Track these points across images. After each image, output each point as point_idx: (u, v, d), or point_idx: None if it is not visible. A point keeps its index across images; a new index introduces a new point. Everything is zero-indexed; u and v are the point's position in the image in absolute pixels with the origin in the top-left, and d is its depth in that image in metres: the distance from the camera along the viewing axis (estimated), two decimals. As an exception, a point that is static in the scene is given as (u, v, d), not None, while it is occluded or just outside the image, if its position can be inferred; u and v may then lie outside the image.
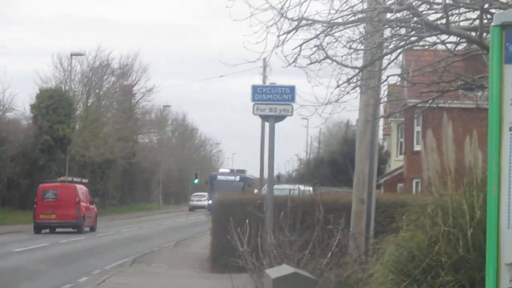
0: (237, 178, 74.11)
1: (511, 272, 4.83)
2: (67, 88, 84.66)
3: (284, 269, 11.89)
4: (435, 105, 16.21)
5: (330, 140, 78.02)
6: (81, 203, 67.69)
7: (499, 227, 4.78)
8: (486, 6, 12.22)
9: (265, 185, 52.28)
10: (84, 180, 78.48)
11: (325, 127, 76.50)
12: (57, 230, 66.64)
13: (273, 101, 18.27)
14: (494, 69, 4.92)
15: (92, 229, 71.18)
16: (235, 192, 68.00)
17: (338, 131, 70.38)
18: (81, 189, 71.56)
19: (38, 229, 66.66)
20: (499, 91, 4.77)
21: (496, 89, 4.82)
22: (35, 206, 67.58)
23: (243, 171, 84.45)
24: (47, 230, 66.54)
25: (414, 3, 12.67)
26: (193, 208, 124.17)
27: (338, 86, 14.31)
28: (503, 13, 6.17)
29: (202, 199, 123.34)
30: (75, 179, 75.55)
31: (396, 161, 55.10)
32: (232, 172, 79.02)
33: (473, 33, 12.32)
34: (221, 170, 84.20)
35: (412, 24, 12.69)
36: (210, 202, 68.57)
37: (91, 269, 28.66)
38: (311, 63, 13.80)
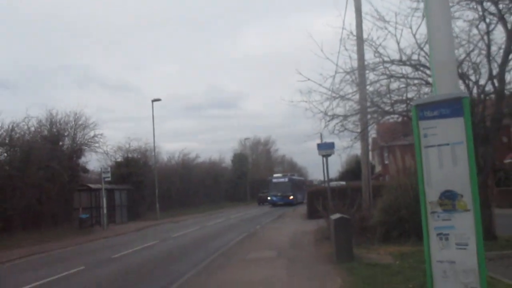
0: (286, 179, 53.88)
1: (431, 205, 4.18)
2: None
3: (338, 215, 12.29)
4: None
5: (350, 162, 72.47)
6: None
7: (424, 185, 4.10)
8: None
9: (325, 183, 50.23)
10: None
11: (347, 157, 72.10)
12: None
13: (327, 148, 17.87)
14: (414, 123, 4.28)
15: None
16: (286, 189, 52.40)
17: (353, 158, 66.18)
18: None
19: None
20: (417, 132, 4.16)
21: (416, 130, 4.28)
22: None
23: (293, 175, 62.49)
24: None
25: (381, 104, 13.37)
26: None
27: (351, 140, 14.84)
28: (416, 100, 6.06)
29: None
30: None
31: (377, 168, 52.60)
32: (283, 175, 57.28)
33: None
34: (275, 174, 59.94)
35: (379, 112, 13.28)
36: (268, 198, 53.83)
37: (260, 222, 27.27)
38: (340, 132, 13.79)
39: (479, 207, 3.81)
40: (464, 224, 3.94)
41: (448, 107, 3.96)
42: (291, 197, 51.76)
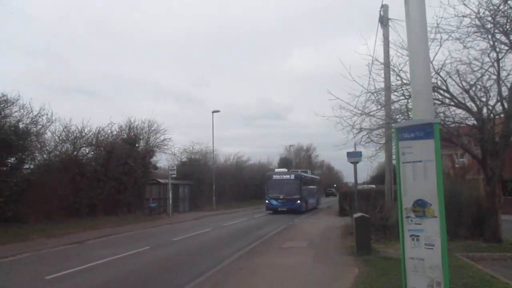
0: (292, 176, 33.88)
1: (406, 211, 4.31)
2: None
3: (359, 214, 12.29)
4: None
5: (380, 168, 67.80)
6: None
7: (401, 194, 4.38)
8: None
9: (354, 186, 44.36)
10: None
11: (378, 163, 67.43)
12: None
13: (355, 156, 17.71)
14: (395, 143, 4.38)
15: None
16: (291, 190, 32.51)
17: (382, 165, 61.15)
18: None
19: None
20: (397, 150, 4.27)
21: (396, 149, 4.32)
22: None
23: (305, 171, 40.47)
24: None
25: (401, 121, 13.08)
26: (328, 195, 74.79)
27: (376, 150, 14.72)
28: (396, 124, 5.37)
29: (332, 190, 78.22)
30: None
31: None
32: (289, 171, 36.47)
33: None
34: (277, 170, 39.52)
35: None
36: (267, 201, 33.73)
37: (299, 217, 26.97)
38: (366, 143, 13.59)
39: (444, 214, 3.87)
40: (432, 228, 4.00)
41: (422, 131, 4.03)
42: (298, 201, 32.72)
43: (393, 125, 12.66)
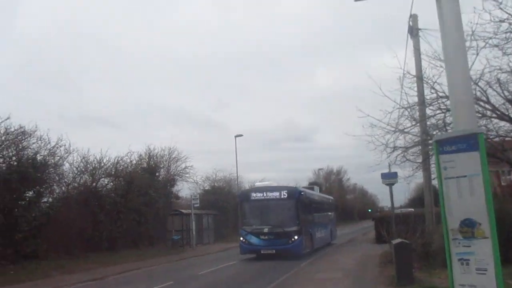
0: (284, 193, 19.32)
1: (453, 232, 4.12)
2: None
3: (398, 240, 11.97)
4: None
5: (418, 189, 66.01)
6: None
7: (445, 213, 4.22)
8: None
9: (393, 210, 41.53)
10: None
11: (415, 184, 65.77)
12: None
13: (390, 178, 17.27)
14: (436, 157, 4.28)
15: None
16: (282, 217, 19.79)
17: (421, 186, 59.92)
18: None
19: None
20: (438, 165, 4.17)
21: (437, 163, 4.22)
22: None
23: (311, 187, 27.74)
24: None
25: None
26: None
27: (412, 170, 14.42)
28: (436, 136, 5.23)
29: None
30: None
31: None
32: (279, 186, 20.94)
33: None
34: (258, 184, 24.60)
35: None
36: (241, 239, 20.17)
37: (331, 246, 25.96)
38: (401, 162, 13.60)
39: (496, 235, 3.67)
40: (483, 250, 3.85)
41: (464, 142, 3.92)
42: (296, 236, 19.87)
43: (432, 138, 12.53)
